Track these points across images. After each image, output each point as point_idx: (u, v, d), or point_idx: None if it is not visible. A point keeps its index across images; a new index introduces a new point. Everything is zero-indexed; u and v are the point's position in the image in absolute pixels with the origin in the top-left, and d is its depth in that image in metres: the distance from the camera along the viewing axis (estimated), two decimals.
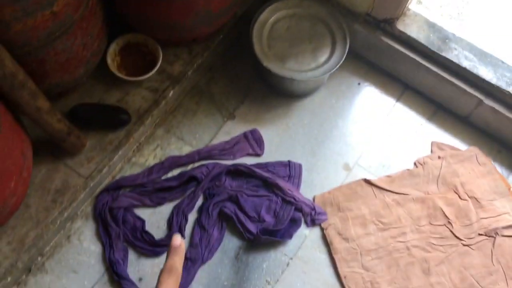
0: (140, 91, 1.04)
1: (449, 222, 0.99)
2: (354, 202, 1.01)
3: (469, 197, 1.01)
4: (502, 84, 1.00)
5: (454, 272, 0.95)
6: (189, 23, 0.98)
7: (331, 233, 0.99)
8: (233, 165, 1.02)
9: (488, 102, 1.02)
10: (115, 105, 1.01)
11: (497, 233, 0.98)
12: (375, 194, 1.02)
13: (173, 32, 1.01)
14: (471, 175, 1.03)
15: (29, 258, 0.91)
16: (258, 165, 1.04)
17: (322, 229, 0.99)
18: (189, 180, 1.01)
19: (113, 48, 1.01)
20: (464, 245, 0.97)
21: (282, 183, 1.01)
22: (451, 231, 0.98)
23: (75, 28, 0.82)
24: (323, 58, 1.04)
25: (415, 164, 1.06)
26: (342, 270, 0.96)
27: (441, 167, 1.04)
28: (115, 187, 0.99)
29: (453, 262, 0.96)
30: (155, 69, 1.01)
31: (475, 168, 1.04)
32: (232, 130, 1.08)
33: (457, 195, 1.01)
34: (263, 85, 1.13)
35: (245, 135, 1.07)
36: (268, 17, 1.06)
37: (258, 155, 1.06)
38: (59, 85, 0.91)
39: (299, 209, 0.99)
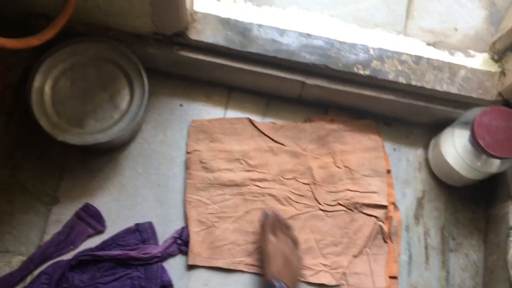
0: None
1: (314, 183, 0.96)
2: (228, 137, 0.97)
3: (344, 166, 0.97)
4: (315, 60, 0.93)
5: (300, 230, 0.92)
6: None
7: (193, 159, 0.95)
8: (74, 258, 0.89)
9: (310, 81, 0.96)
10: None
11: (357, 208, 0.95)
12: (252, 136, 0.98)
13: None
14: (355, 146, 0.99)
15: None
16: (104, 244, 0.91)
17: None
18: None
19: None
20: (320, 209, 0.95)
21: (135, 253, 0.89)
22: (312, 193, 0.96)
23: None
24: (124, 102, 0.91)
25: (305, 120, 1.02)
26: (189, 195, 0.93)
27: (330, 129, 0.99)
28: None
29: (302, 221, 0.93)
30: None
31: (362, 140, 1.00)
32: (62, 215, 0.93)
33: (333, 160, 0.98)
34: (78, 149, 0.97)
35: (77, 215, 0.93)
36: (43, 81, 0.89)
37: (100, 232, 0.93)
38: None
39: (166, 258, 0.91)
